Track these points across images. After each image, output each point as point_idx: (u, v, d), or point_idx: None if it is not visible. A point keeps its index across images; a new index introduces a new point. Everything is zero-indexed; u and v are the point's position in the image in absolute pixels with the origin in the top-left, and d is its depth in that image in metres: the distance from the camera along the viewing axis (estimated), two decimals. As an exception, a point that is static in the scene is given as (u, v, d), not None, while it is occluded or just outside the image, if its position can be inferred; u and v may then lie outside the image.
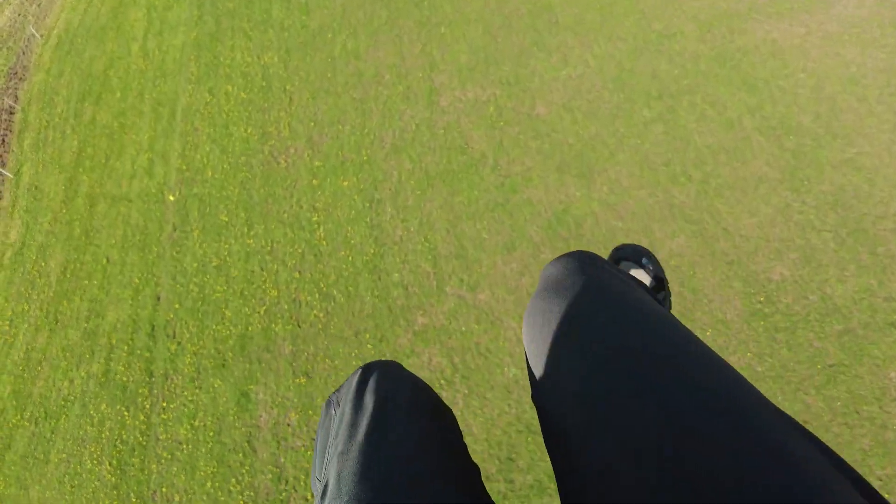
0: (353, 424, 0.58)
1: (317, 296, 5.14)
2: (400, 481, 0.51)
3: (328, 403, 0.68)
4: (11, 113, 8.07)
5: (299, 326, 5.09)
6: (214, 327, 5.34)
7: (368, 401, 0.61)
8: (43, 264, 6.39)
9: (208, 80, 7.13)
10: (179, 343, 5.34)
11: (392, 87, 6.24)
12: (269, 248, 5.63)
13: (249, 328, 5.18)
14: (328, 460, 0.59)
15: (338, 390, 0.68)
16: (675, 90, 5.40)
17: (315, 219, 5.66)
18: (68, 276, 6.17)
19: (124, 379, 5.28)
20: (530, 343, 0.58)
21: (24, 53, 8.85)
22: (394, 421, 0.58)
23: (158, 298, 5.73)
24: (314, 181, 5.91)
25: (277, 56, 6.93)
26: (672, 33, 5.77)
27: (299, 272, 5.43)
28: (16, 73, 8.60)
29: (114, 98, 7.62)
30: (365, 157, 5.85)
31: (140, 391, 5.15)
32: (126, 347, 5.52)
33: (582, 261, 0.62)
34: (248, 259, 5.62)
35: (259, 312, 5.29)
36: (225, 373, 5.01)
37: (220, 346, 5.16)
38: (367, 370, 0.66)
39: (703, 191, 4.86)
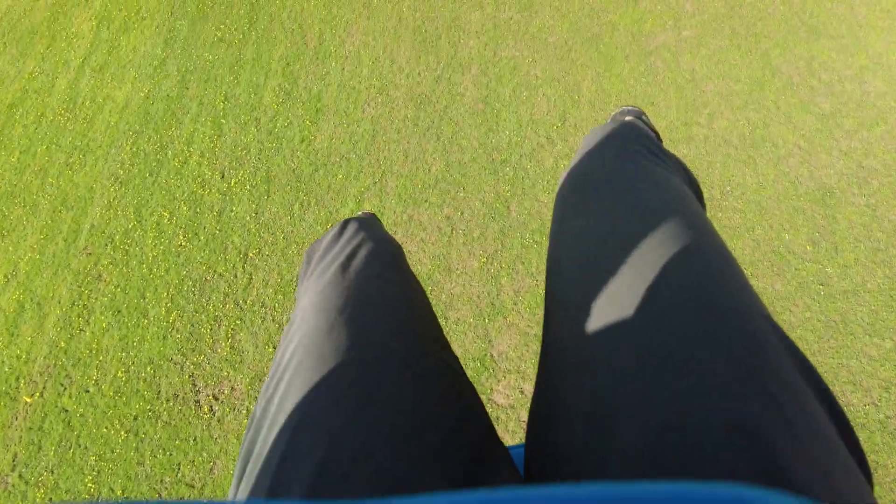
0: (325, 270, 0.72)
1: None
2: (365, 308, 0.63)
3: (307, 256, 0.84)
4: None
5: None
6: None
7: (345, 246, 0.76)
8: None
9: (142, 188, 4.74)
10: None
11: (417, 322, 3.70)
12: (137, 593, 3.35)
13: None
14: (299, 296, 0.73)
15: (316, 242, 0.86)
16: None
17: (226, 563, 3.30)
18: None
19: None
20: (556, 223, 0.68)
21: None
22: (367, 264, 0.72)
23: None
24: (245, 474, 3.51)
25: (250, 184, 4.47)
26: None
27: None
28: None
29: (7, 163, 5.28)
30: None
31: None
32: None
33: (621, 147, 0.70)
34: None
35: None
36: None
37: None
38: (346, 223, 0.84)
39: None
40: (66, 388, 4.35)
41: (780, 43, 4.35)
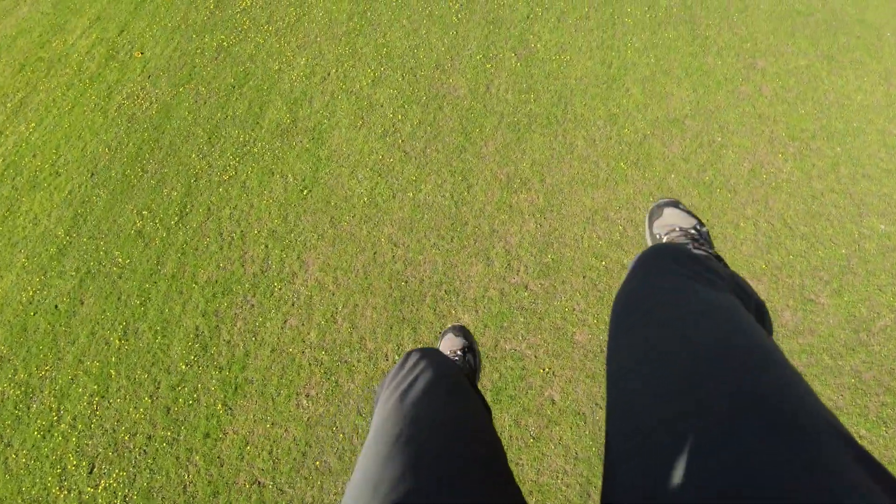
0: (396, 387, 0.86)
1: None
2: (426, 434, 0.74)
3: (378, 389, 0.96)
4: None
5: None
6: None
7: (406, 376, 0.89)
8: None
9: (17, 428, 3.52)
10: None
11: None
12: None
13: None
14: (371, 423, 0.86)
15: (384, 376, 0.98)
16: None
17: None
18: None
19: None
20: (613, 327, 0.76)
21: None
22: (434, 392, 0.84)
23: None
24: None
25: (123, 496, 3.25)
26: None
27: None
28: None
29: None
30: None
31: None
32: None
33: (670, 259, 0.81)
34: None
35: None
36: None
37: None
38: (408, 354, 0.96)
39: None
40: None
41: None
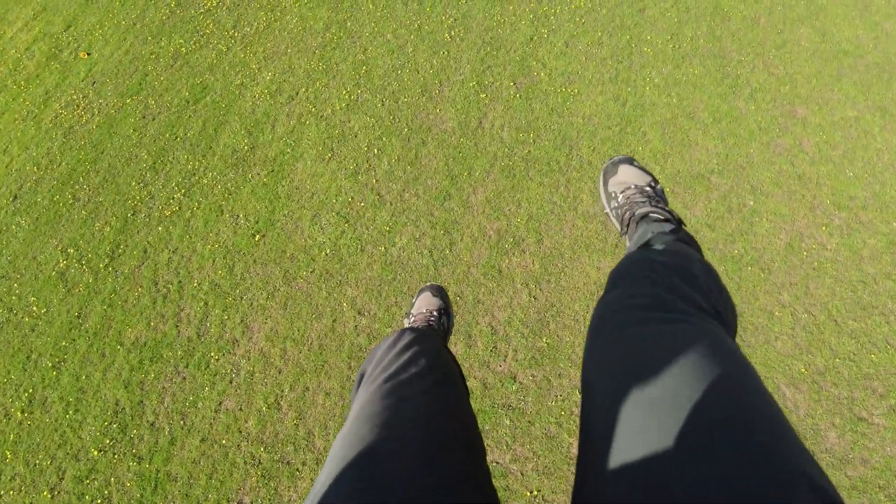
0: (385, 368, 0.84)
1: None
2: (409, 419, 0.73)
3: (365, 364, 0.94)
4: None
5: None
6: None
7: (396, 357, 0.87)
8: None
9: None
10: None
11: None
12: None
13: None
14: (353, 401, 0.86)
15: (373, 350, 0.96)
16: None
17: None
18: None
19: None
20: (590, 337, 0.75)
21: None
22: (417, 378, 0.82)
23: None
24: None
25: None
26: None
27: None
28: None
29: None
30: None
31: None
32: None
33: (645, 276, 0.79)
34: None
35: None
36: None
37: None
38: (402, 332, 0.95)
39: None
40: None
41: None
